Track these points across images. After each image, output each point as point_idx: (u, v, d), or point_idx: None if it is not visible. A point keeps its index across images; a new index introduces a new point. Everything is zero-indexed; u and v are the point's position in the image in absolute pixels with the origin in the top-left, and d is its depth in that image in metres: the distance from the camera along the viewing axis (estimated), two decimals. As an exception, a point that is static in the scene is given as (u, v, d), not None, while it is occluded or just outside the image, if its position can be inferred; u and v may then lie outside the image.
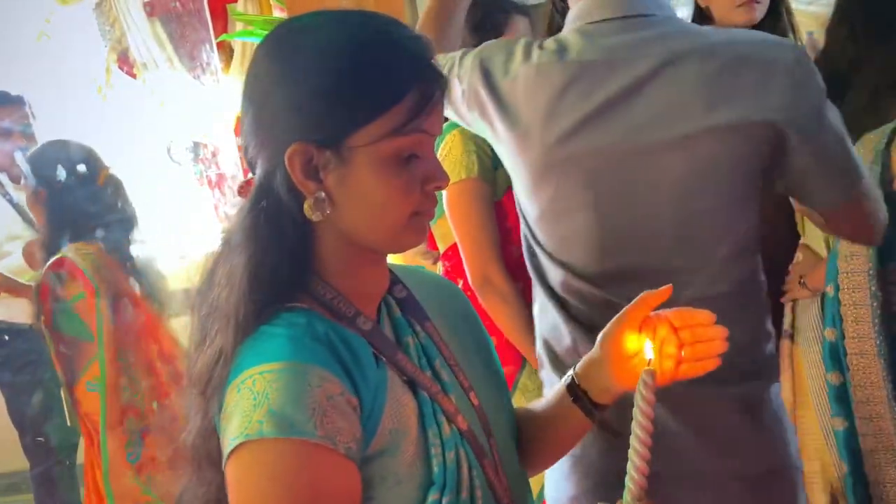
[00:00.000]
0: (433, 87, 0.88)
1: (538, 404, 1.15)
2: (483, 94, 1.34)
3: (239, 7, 3.14)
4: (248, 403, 0.82)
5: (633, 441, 0.90)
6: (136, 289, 2.79)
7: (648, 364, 0.96)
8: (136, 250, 2.80)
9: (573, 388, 1.06)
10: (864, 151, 1.48)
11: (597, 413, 1.06)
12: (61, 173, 2.69)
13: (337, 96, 0.86)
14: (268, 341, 0.87)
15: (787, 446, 1.36)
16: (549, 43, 1.34)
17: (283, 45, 0.90)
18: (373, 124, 0.86)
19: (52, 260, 2.65)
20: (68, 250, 2.65)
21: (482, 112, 1.36)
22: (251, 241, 0.91)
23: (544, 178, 1.33)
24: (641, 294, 1.02)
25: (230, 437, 0.83)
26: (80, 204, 2.70)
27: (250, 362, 0.86)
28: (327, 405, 0.82)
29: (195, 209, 3.20)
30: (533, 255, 1.40)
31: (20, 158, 2.79)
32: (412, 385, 0.94)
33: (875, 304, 1.42)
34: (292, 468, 0.81)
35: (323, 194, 0.89)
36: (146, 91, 3.37)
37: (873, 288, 1.42)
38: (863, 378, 1.46)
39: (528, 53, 1.33)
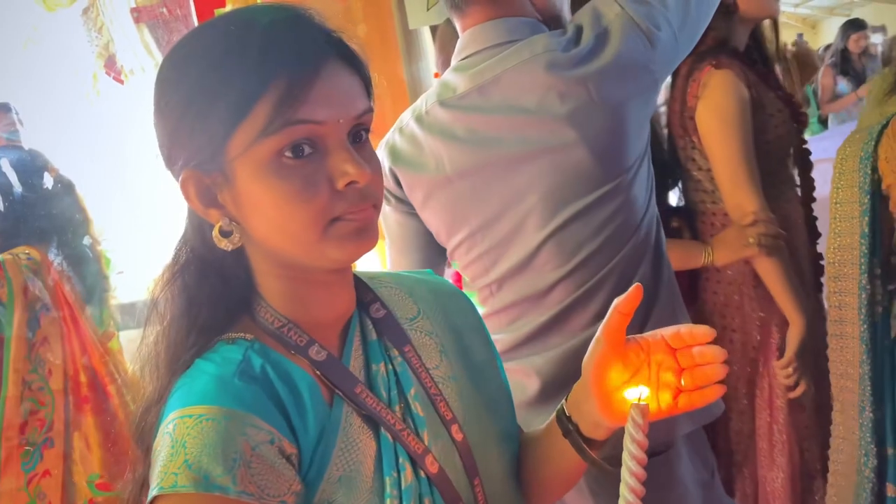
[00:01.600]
0: (301, 71, 0.77)
1: (537, 432, 1.02)
2: (394, 172, 1.45)
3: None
4: (167, 451, 0.75)
5: (622, 489, 0.79)
6: (74, 300, 2.80)
7: (639, 399, 0.83)
8: (119, 262, 2.83)
9: (562, 421, 0.94)
10: (851, 151, 1.51)
11: (588, 450, 0.92)
12: (12, 179, 2.73)
13: (197, 112, 0.78)
14: (196, 380, 0.80)
15: (672, 427, 1.43)
16: (433, 89, 1.44)
17: (157, 74, 0.84)
18: (240, 131, 0.77)
19: None
20: (5, 254, 2.68)
21: (400, 187, 1.46)
22: (177, 284, 0.87)
23: (456, 211, 1.42)
24: (613, 304, 0.87)
25: (151, 486, 0.76)
26: (32, 209, 2.76)
27: (175, 404, 0.79)
28: (251, 456, 0.74)
29: (184, 215, 3.18)
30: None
31: (6, 166, 2.79)
32: (375, 423, 0.84)
33: (864, 294, 1.50)
34: None
35: (228, 220, 0.82)
36: (134, 97, 3.35)
37: (863, 281, 1.49)
38: (838, 356, 1.57)
39: (415, 110, 1.44)
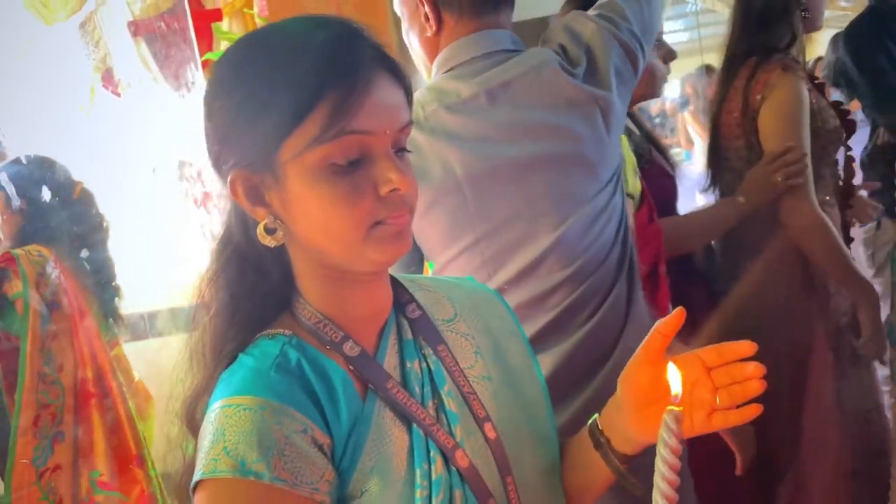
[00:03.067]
0: (355, 84, 0.81)
1: (570, 442, 1.04)
2: None
3: (224, 26, 3.14)
4: (210, 439, 0.81)
5: (655, 494, 0.79)
6: (89, 304, 2.82)
7: (673, 401, 0.80)
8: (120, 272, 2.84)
9: (594, 433, 0.97)
10: None
11: (617, 464, 0.95)
12: (42, 191, 2.75)
13: (251, 115, 0.83)
14: (237, 373, 0.85)
15: None
16: (428, 95, 1.44)
17: (210, 78, 0.89)
18: (293, 137, 0.81)
19: None
20: (18, 249, 2.70)
21: None
22: (220, 279, 0.91)
23: (465, 212, 1.42)
24: (655, 324, 0.89)
25: (195, 471, 0.81)
26: (57, 221, 2.78)
27: (219, 394, 0.84)
28: (284, 444, 0.79)
29: (181, 228, 3.18)
30: None
31: (4, 179, 2.79)
32: (407, 417, 0.88)
33: None
34: None
35: (273, 218, 0.86)
36: (131, 110, 3.36)
37: None
38: None
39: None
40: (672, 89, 7.03)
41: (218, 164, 0.88)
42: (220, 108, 0.85)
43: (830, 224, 1.90)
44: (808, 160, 1.88)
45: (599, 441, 0.96)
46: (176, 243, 3.21)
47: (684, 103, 7.01)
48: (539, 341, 1.43)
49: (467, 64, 1.45)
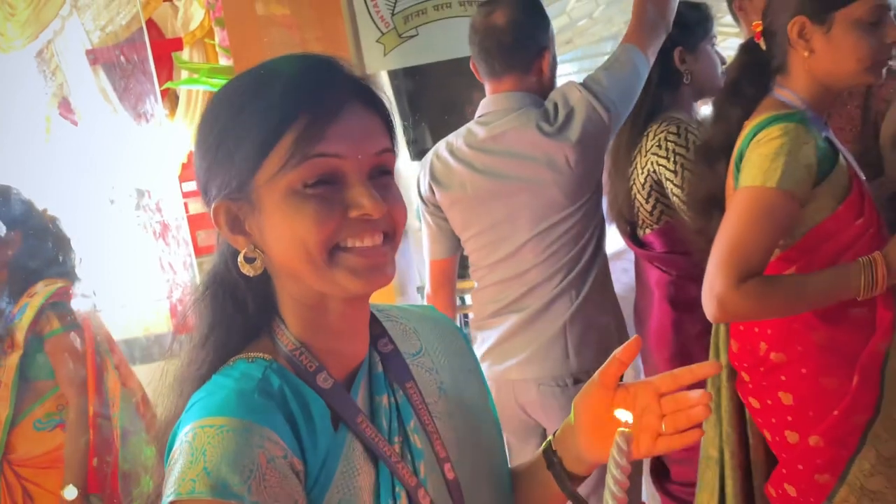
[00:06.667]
0: (324, 110, 0.85)
1: (526, 463, 1.08)
2: (429, 188, 2.16)
3: (184, 55, 3.14)
4: (187, 459, 0.79)
5: None
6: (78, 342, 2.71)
7: (624, 426, 0.87)
8: (77, 303, 2.76)
9: (548, 454, 1.00)
10: None
11: (568, 484, 0.98)
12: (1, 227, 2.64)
13: (229, 147, 0.86)
14: (216, 393, 0.85)
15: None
16: (462, 131, 2.14)
17: (200, 117, 0.93)
18: (266, 163, 0.85)
19: (55, 289, 2.52)
20: (50, 288, 2.56)
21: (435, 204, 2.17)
22: (199, 307, 0.92)
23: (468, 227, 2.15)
24: (613, 353, 0.94)
25: (166, 492, 0.79)
26: (21, 258, 2.64)
27: (195, 414, 0.83)
28: (266, 468, 0.79)
29: (138, 259, 3.14)
30: None
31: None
32: (374, 453, 0.89)
33: None
34: None
35: (252, 247, 0.88)
36: (88, 139, 3.33)
37: None
38: None
39: (448, 144, 2.15)
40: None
41: (204, 196, 0.91)
42: (204, 140, 0.89)
43: None
44: None
45: (552, 460, 0.99)
46: (134, 274, 3.17)
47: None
48: (518, 302, 2.09)
49: (492, 114, 2.09)
